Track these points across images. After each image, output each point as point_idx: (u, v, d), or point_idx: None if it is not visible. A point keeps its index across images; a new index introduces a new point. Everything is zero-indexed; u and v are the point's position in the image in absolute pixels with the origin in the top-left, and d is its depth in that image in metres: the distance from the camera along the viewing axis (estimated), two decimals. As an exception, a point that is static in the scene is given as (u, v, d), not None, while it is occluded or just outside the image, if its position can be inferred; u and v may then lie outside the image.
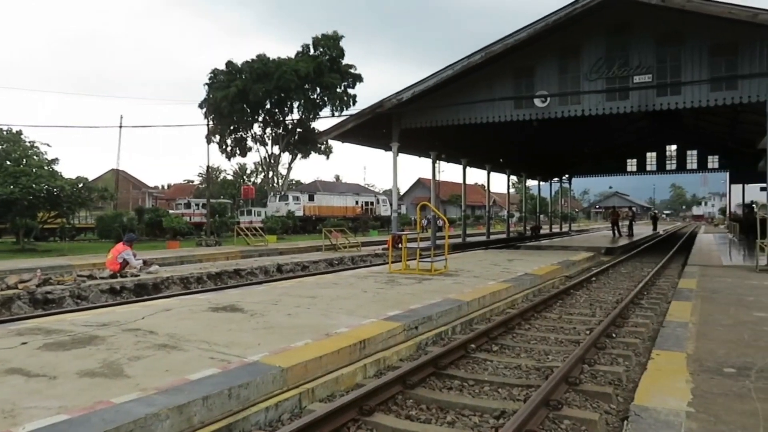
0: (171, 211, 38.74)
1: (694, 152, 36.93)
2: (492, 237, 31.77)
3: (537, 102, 17.93)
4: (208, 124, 36.67)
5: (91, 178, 40.84)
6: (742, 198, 40.58)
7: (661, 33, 16.35)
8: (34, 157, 23.97)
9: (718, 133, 32.27)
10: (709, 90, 15.77)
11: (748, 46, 15.24)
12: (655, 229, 47.29)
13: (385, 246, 22.75)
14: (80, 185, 25.07)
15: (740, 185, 40.28)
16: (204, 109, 46.46)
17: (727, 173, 40.39)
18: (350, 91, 49.81)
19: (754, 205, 30.67)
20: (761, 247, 14.29)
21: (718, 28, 15.41)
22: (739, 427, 3.88)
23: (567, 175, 44.11)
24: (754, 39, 15.08)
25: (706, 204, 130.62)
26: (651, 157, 38.03)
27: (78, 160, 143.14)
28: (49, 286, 11.87)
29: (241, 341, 5.93)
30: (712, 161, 37.05)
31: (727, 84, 15.59)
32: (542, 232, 40.50)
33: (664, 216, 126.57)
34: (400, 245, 15.83)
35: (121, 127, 44.49)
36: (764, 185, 16.54)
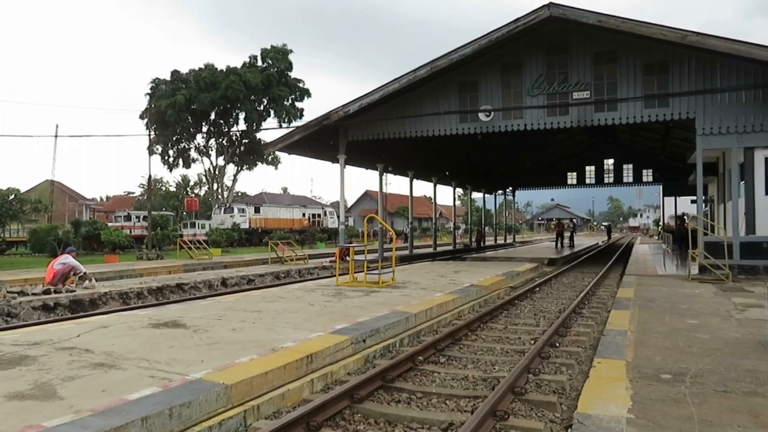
0: (110, 224, 37.41)
1: (630, 166, 38.60)
2: (439, 248, 32.08)
3: (481, 116, 18.28)
4: (149, 134, 35.69)
5: (23, 189, 39.11)
6: (675, 210, 42.49)
7: (598, 51, 17.02)
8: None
9: (652, 148, 33.80)
10: (643, 106, 16.48)
11: (678, 65, 16.05)
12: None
13: (333, 258, 22.63)
14: (11, 197, 23.91)
15: (673, 198, 42.21)
16: (146, 120, 45.24)
17: (661, 186, 42.30)
18: (298, 104, 49.62)
19: (685, 217, 32.13)
20: (692, 257, 14.97)
21: (651, 48, 16.18)
22: (677, 431, 4.02)
23: (511, 188, 45.17)
24: (684, 59, 15.91)
25: (641, 216, 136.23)
26: (590, 170, 39.49)
27: (10, 171, 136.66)
28: (-24, 303, 11.20)
29: (183, 358, 5.74)
30: (647, 175, 38.79)
31: (660, 101, 16.34)
32: (487, 243, 41.21)
33: (602, 227, 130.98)
34: (347, 258, 15.77)
35: (56, 136, 42.90)
36: (695, 198, 17.35)
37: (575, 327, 9.20)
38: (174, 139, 48.46)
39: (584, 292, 13.06)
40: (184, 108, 44.68)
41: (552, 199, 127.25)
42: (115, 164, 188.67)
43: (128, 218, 39.81)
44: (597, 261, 24.92)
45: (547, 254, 25.67)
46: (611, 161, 38.67)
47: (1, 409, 4.22)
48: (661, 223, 58.79)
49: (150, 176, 31.79)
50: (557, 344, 7.83)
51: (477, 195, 45.82)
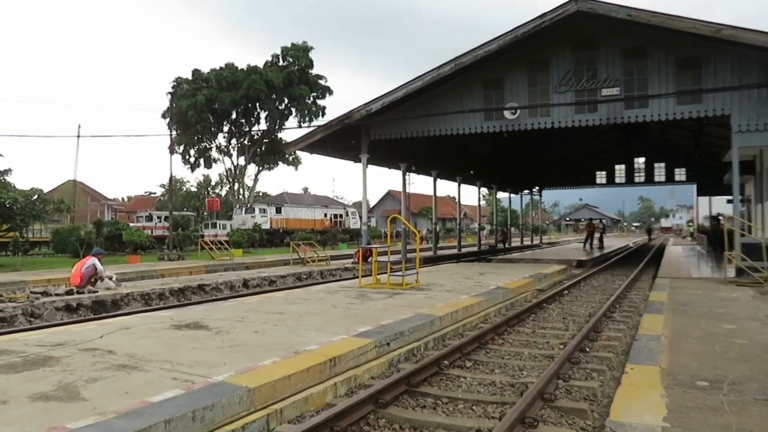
0: (131, 224, 38.00)
1: (662, 165, 37.90)
2: (463, 250, 31.94)
3: (507, 114, 18.15)
4: (171, 134, 36.16)
5: (46, 189, 39.91)
6: (709, 210, 41.70)
7: (628, 47, 16.76)
8: (-16, 167, 23.32)
9: (684, 146, 33.20)
10: (675, 103, 16.19)
11: (711, 60, 15.73)
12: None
13: (355, 260, 22.67)
14: (35, 197, 24.41)
15: (707, 197, 41.40)
16: (167, 119, 45.85)
17: (695, 186, 41.51)
18: (319, 102, 49.86)
19: (720, 217, 31.51)
20: (728, 259, 14.66)
21: (683, 43, 15.89)
22: (715, 441, 3.93)
23: (537, 188, 44.76)
24: (718, 54, 15.58)
25: (674, 216, 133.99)
26: (620, 169, 38.90)
27: (33, 171, 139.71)
28: (0, 303, 11.45)
29: (205, 360, 5.79)
30: (680, 174, 38.04)
31: (693, 98, 16.03)
32: (513, 244, 40.87)
33: (633, 228, 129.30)
34: (370, 259, 15.77)
35: (79, 136, 43.68)
36: (730, 198, 17.00)
37: (606, 331, 9.08)
38: (195, 138, 49.08)
39: (615, 295, 12.86)
40: (205, 108, 45.21)
41: (580, 199, 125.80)
42: (136, 164, 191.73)
43: (150, 218, 40.38)
44: (628, 263, 24.57)
45: (576, 256, 25.38)
46: (642, 160, 38.05)
47: (26, 410, 4.29)
48: (694, 223, 57.85)
49: (171, 176, 32.22)
50: (587, 349, 7.72)
51: (503, 195, 45.50)
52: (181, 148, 49.18)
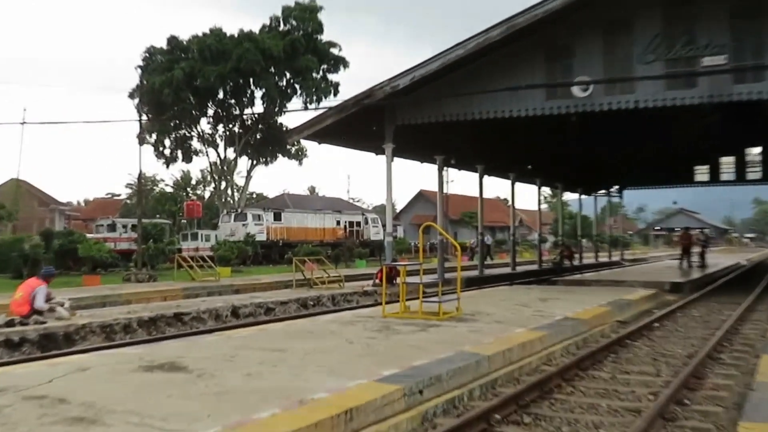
0: (89, 235, 38.50)
1: (786, 156, 37.24)
2: (518, 268, 31.80)
3: (576, 91, 18.04)
4: (140, 119, 36.61)
5: (-18, 191, 40.71)
6: None
7: (737, 2, 16.56)
8: None
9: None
10: (801, 76, 15.95)
11: None
12: None
13: (377, 281, 22.71)
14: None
15: None
16: (136, 100, 46.36)
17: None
18: (331, 77, 50.03)
19: None
20: None
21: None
22: None
23: (617, 187, 44.37)
24: None
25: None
26: (727, 163, 38.40)
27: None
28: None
29: (184, 411, 5.84)
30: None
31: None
32: (585, 261, 40.50)
33: (745, 240, 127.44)
34: (396, 280, 15.76)
35: (24, 123, 44.39)
36: None
37: (712, 377, 9.01)
38: (171, 124, 49.60)
39: (723, 329, 12.75)
40: (184, 85, 45.63)
41: (674, 203, 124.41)
42: (96, 159, 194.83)
43: (112, 228, 40.89)
44: (739, 287, 24.19)
45: (669, 277, 25.11)
46: (757, 150, 37.49)
47: (-45, 474, 4.35)
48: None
49: (140, 173, 32.58)
50: (687, 401, 7.66)
51: (571, 196, 45.24)
52: (154, 136, 49.74)
